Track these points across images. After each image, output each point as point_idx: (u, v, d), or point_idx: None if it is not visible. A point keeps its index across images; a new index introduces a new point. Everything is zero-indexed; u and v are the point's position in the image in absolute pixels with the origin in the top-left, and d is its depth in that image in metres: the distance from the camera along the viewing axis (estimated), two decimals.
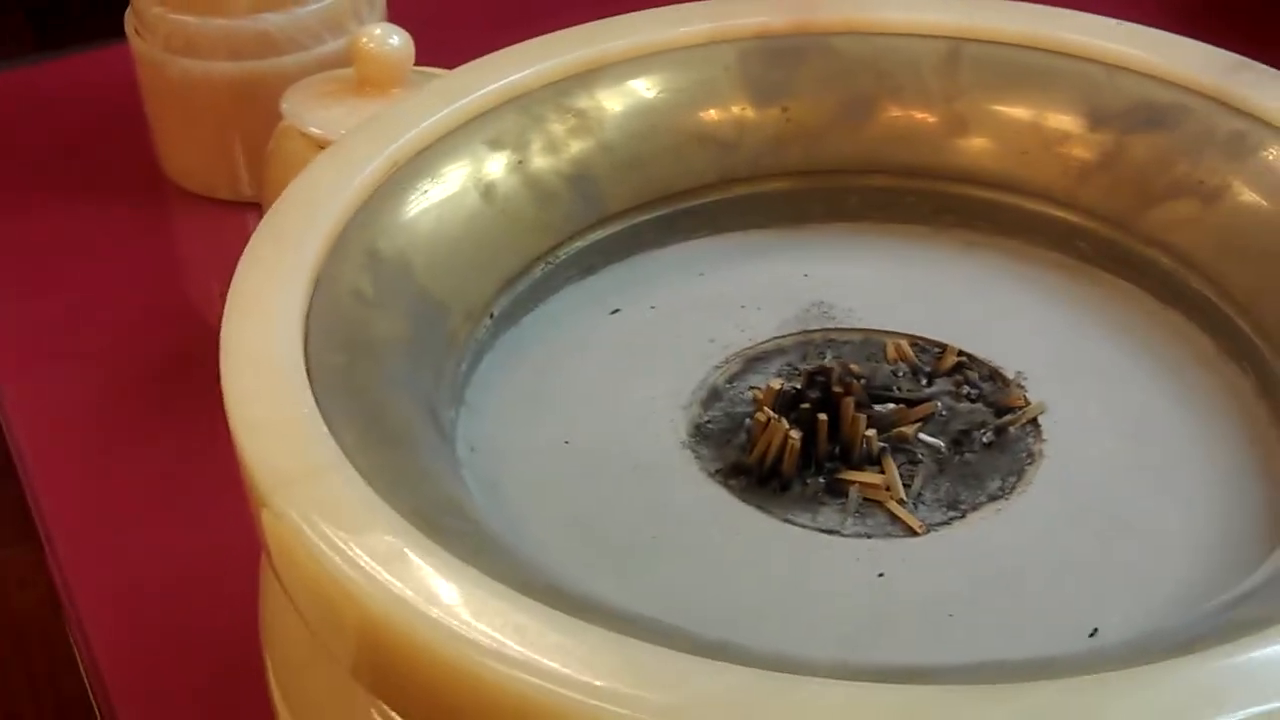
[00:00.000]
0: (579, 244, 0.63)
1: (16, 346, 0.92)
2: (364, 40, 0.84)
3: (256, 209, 1.03)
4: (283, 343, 0.49)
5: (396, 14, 1.00)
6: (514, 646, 0.39)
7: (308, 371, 0.48)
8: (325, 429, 0.46)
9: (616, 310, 0.62)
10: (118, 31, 1.04)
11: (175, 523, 0.78)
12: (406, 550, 0.41)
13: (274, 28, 0.99)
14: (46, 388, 0.88)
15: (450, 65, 0.84)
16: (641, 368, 0.59)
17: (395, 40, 0.82)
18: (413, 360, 0.53)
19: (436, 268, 0.57)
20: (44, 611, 1.87)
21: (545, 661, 0.38)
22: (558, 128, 0.62)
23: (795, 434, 0.53)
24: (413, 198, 0.58)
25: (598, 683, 0.38)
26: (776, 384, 0.55)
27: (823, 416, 0.53)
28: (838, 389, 0.54)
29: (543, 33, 0.65)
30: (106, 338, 0.92)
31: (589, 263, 0.63)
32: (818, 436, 0.53)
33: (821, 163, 0.65)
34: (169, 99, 1.03)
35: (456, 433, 0.54)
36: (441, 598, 0.40)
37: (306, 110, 0.84)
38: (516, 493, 0.53)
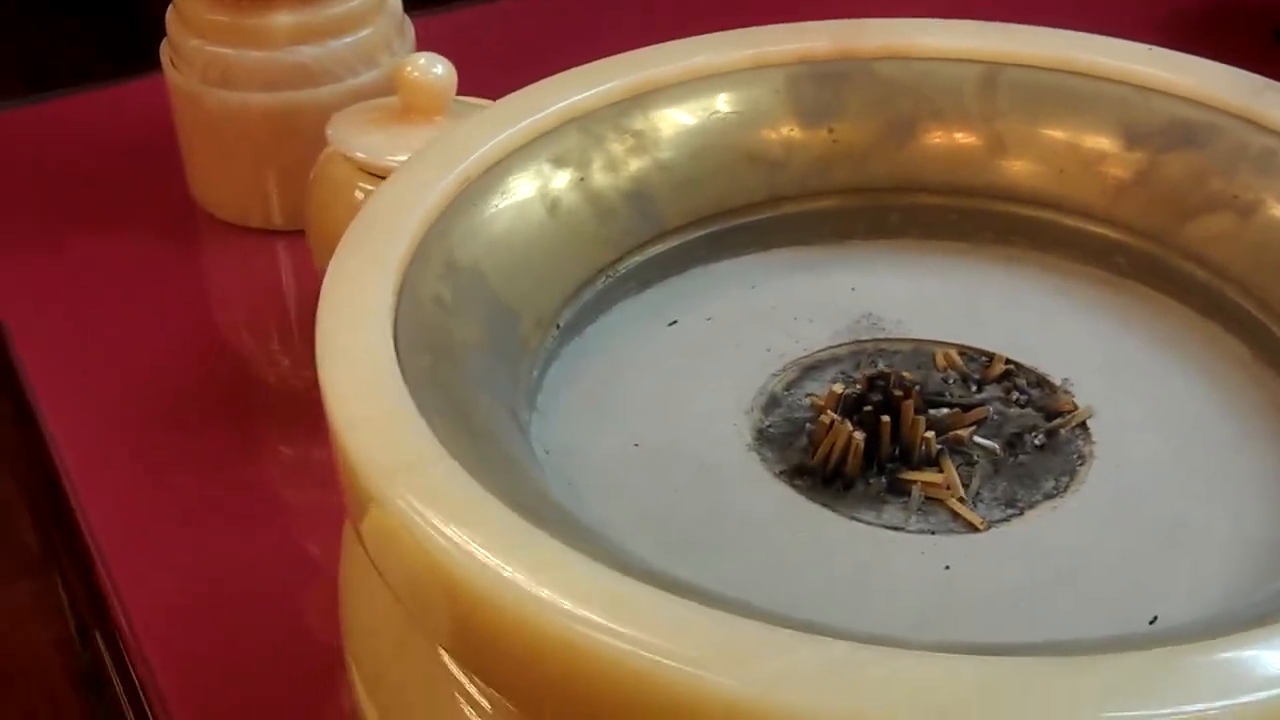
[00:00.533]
0: (637, 258, 0.65)
1: (56, 376, 0.93)
2: (408, 69, 0.86)
3: (287, 237, 1.06)
4: (375, 345, 0.51)
5: (422, 48, 1.02)
6: (623, 623, 0.41)
7: (401, 371, 0.50)
8: (425, 423, 0.48)
9: (674, 322, 0.64)
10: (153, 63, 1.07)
11: (213, 541, 0.80)
12: (515, 536, 0.43)
13: (310, 59, 1.02)
14: (87, 416, 0.89)
15: (482, 95, 0.87)
16: (702, 375, 0.61)
17: (439, 69, 0.85)
18: (491, 364, 0.56)
19: (508, 277, 0.59)
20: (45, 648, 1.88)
21: (653, 638, 0.40)
22: (617, 147, 0.65)
23: (859, 435, 0.55)
24: (484, 211, 0.60)
25: (707, 655, 0.40)
26: (839, 388, 0.57)
27: (885, 418, 0.56)
28: (898, 393, 0.56)
29: (562, 67, 0.68)
30: (143, 365, 0.94)
31: (646, 276, 0.66)
32: (880, 438, 0.56)
33: (865, 182, 0.68)
34: (204, 129, 1.06)
35: (531, 435, 0.56)
36: (550, 579, 0.42)
37: (352, 136, 0.87)
38: (591, 491, 0.55)
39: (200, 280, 1.10)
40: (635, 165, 0.65)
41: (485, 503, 0.45)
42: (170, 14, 1.05)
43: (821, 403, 0.59)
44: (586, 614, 0.41)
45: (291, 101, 1.02)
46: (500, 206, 0.61)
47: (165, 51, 1.06)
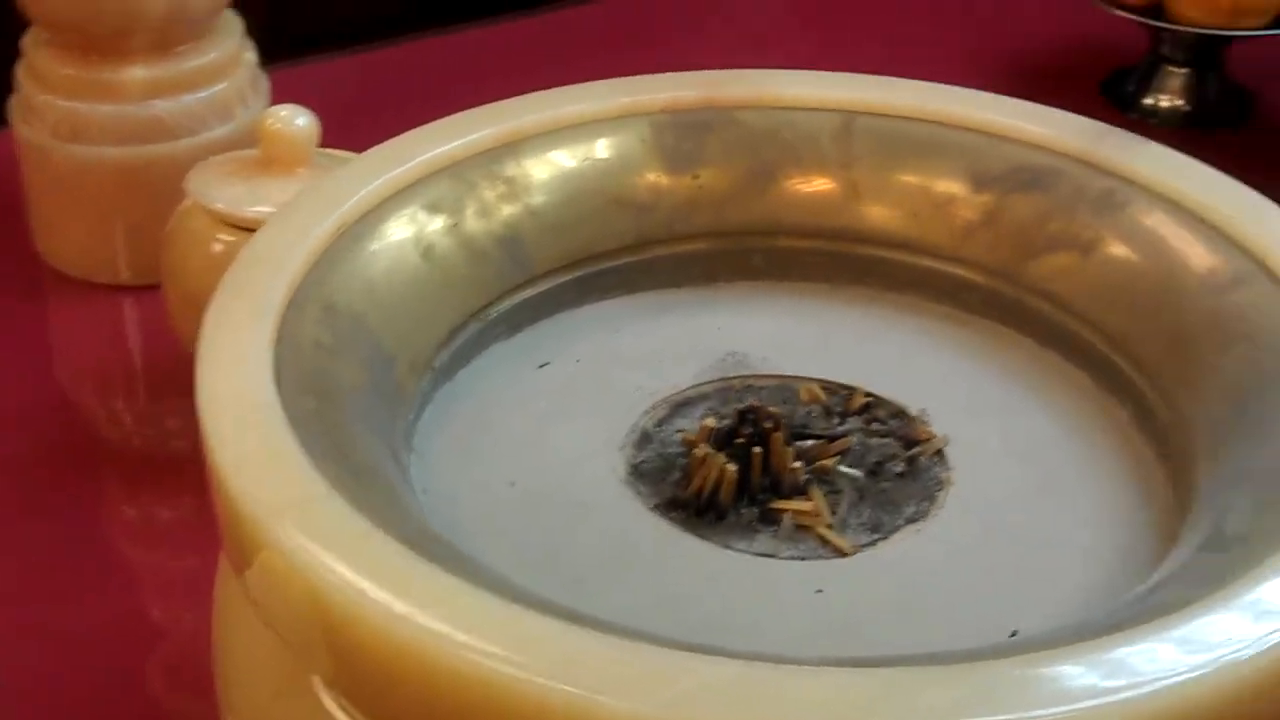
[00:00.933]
0: (508, 302, 0.66)
1: None
2: (270, 121, 0.87)
3: (135, 293, 1.05)
4: (256, 388, 0.52)
5: (277, 101, 1.03)
6: (520, 653, 0.42)
7: (284, 413, 0.51)
8: (309, 461, 0.49)
9: (545, 364, 0.66)
10: None
11: (51, 606, 0.78)
12: (406, 570, 0.44)
13: (164, 113, 1.02)
14: None
15: (341, 147, 0.88)
16: (573, 416, 0.63)
17: (302, 121, 0.86)
18: (371, 406, 0.56)
19: (385, 321, 0.60)
20: None
21: (553, 667, 0.42)
22: (489, 194, 0.66)
23: (731, 466, 0.57)
24: (361, 256, 0.61)
25: (606, 681, 0.41)
26: (710, 422, 0.59)
27: (758, 450, 0.58)
28: (767, 425, 0.59)
29: (419, 119, 0.69)
30: None
31: (517, 320, 0.67)
32: (752, 469, 0.58)
33: (729, 226, 0.70)
34: (54, 185, 1.05)
35: (410, 477, 0.57)
36: (444, 613, 0.43)
37: (212, 188, 0.87)
38: (471, 531, 0.56)
39: (46, 337, 1.08)
40: (507, 211, 0.66)
41: (375, 538, 0.46)
42: (20, 69, 1.04)
43: (693, 437, 0.61)
44: (482, 645, 0.42)
45: (144, 155, 1.02)
46: (376, 251, 0.62)
47: (14, 106, 1.05)
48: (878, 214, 0.70)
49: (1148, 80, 1.33)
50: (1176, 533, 0.56)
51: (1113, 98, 1.34)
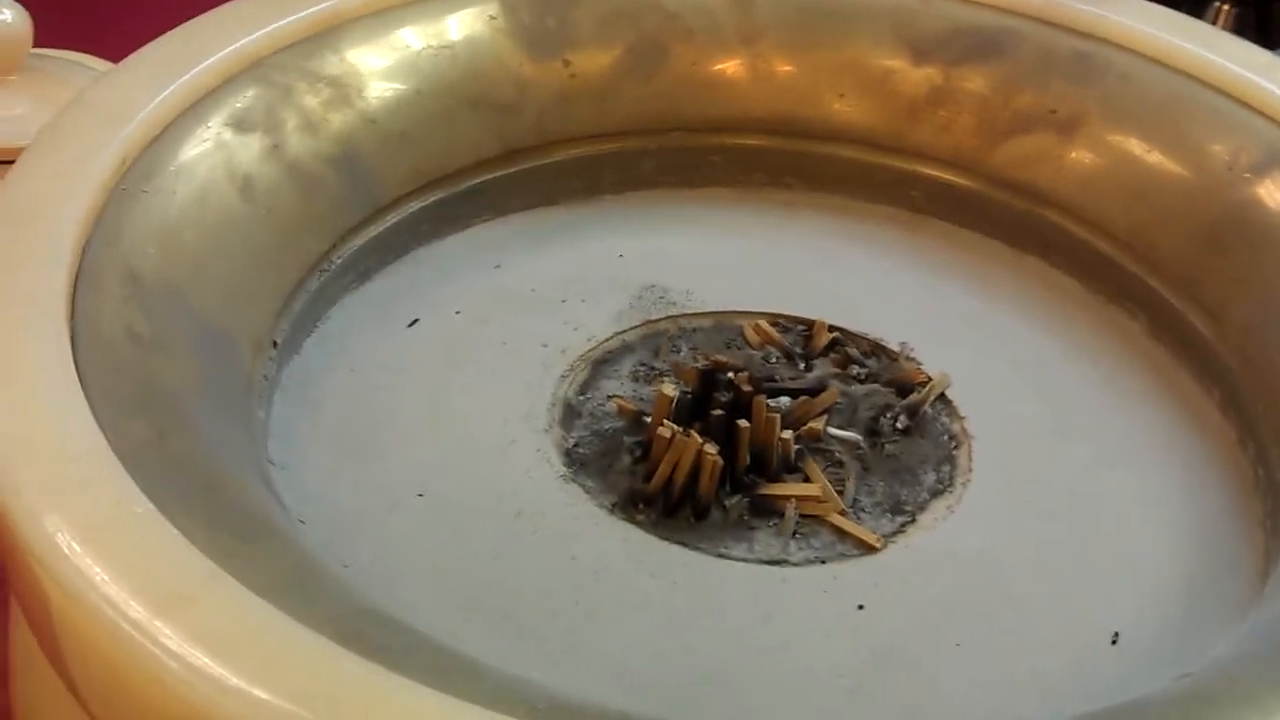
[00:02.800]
0: (354, 243, 0.50)
1: None
2: None
3: None
4: (63, 415, 0.35)
5: None
6: None
7: (111, 449, 0.34)
8: (174, 531, 0.32)
9: (415, 320, 0.50)
10: None
11: None
12: (331, 674, 0.29)
13: None
14: None
15: (69, 48, 0.68)
16: (471, 388, 0.48)
17: (8, 15, 0.65)
18: (219, 413, 0.40)
19: (210, 290, 0.43)
20: None
21: None
22: (311, 100, 0.49)
23: (712, 450, 0.43)
24: (160, 203, 0.44)
25: None
26: (670, 390, 0.45)
27: (743, 423, 0.44)
28: (746, 389, 0.45)
29: (167, 10, 0.52)
30: None
31: (367, 264, 0.51)
32: (737, 447, 0.44)
33: (613, 123, 0.56)
34: None
35: (283, 501, 0.41)
36: None
37: None
38: (379, 572, 0.41)
39: None
40: (338, 121, 0.50)
41: (297, 638, 0.31)
42: None
43: (630, 406, 0.47)
44: None
45: None
46: (179, 194, 0.44)
47: None
48: (792, 98, 0.57)
49: None
50: (1251, 466, 0.46)
51: None
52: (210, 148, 0.46)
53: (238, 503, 0.36)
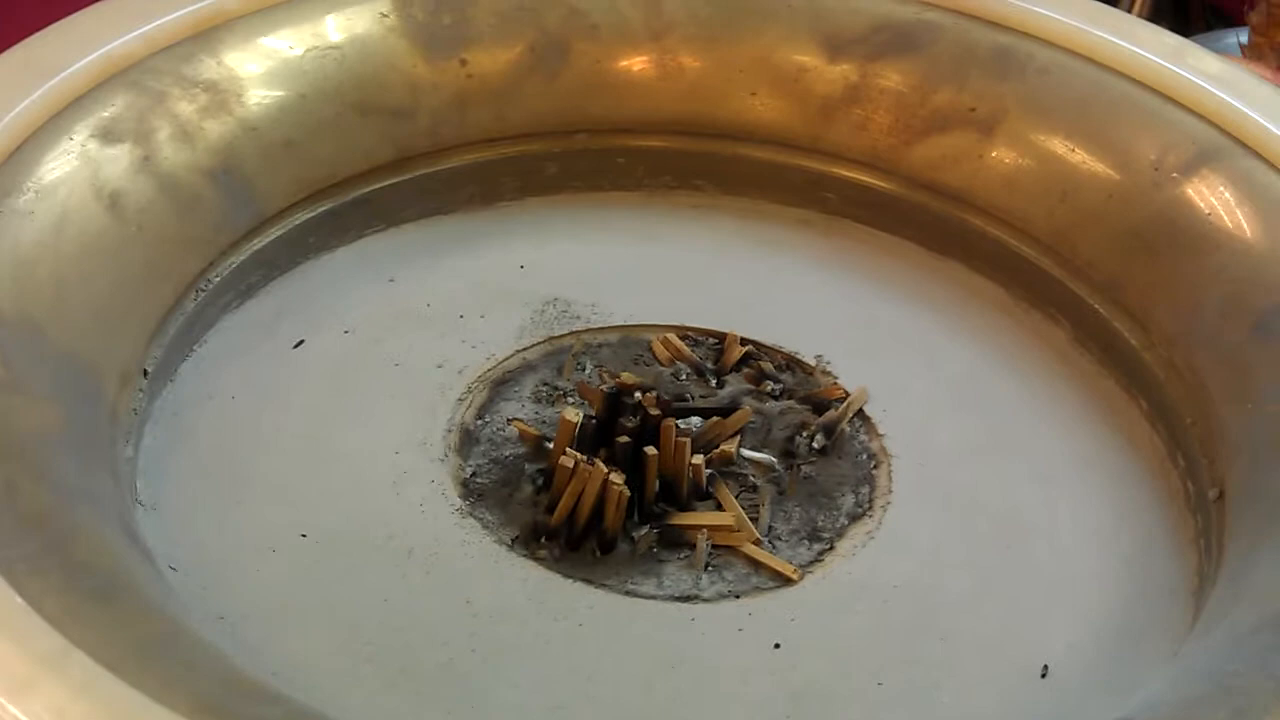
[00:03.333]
0: (234, 258, 0.47)
1: None
2: None
3: None
4: None
5: None
6: None
7: None
8: (18, 600, 0.29)
9: (301, 342, 0.47)
10: None
11: None
12: None
13: None
14: None
15: None
16: (361, 414, 0.45)
17: None
18: (80, 455, 0.37)
19: (72, 320, 0.40)
20: None
21: None
22: (186, 107, 0.46)
23: (618, 479, 0.41)
24: (15, 225, 0.40)
25: None
26: (572, 415, 0.42)
27: (651, 450, 0.41)
28: (654, 412, 0.42)
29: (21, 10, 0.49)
30: None
31: (248, 281, 0.48)
32: (646, 477, 0.41)
33: (513, 126, 0.53)
34: None
35: (148, 548, 0.38)
36: None
37: None
38: (257, 625, 0.38)
39: None
40: (215, 131, 0.47)
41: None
42: None
43: (531, 431, 0.44)
44: None
45: None
46: (38, 214, 0.41)
47: None
48: (703, 97, 0.54)
49: None
50: (1180, 481, 0.44)
51: None
52: (74, 161, 0.43)
53: (95, 559, 0.33)
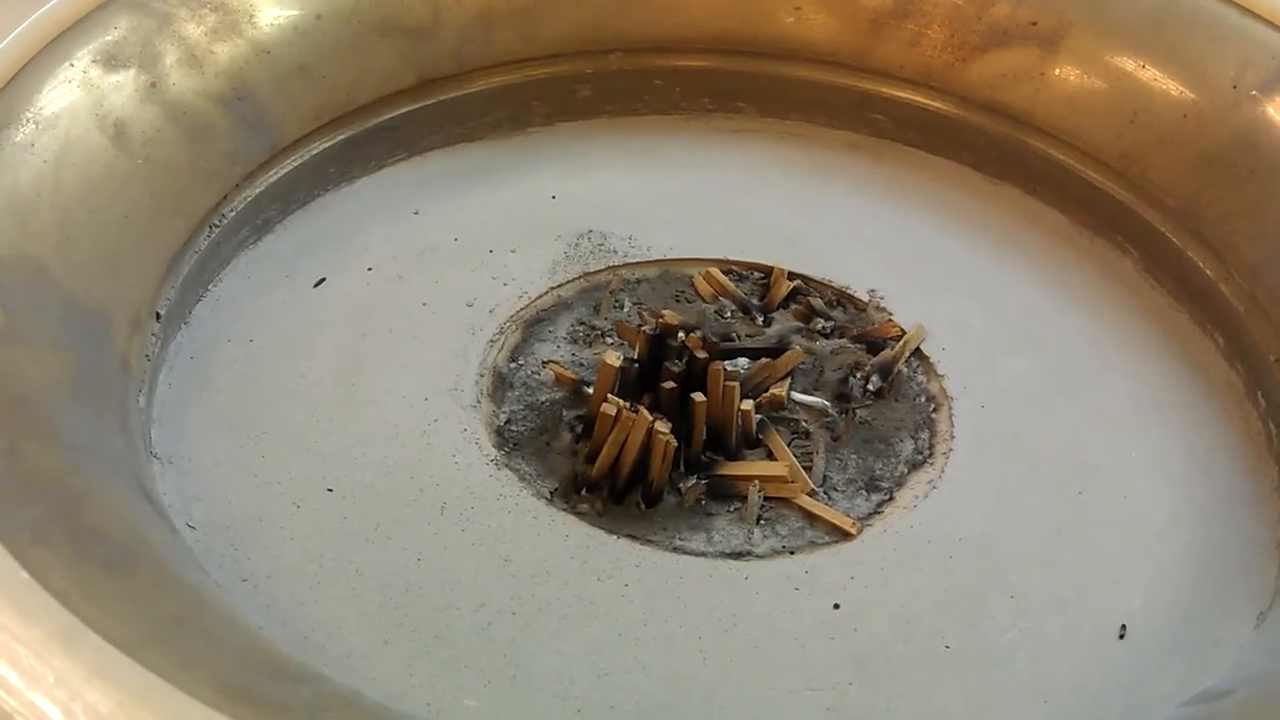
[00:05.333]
0: (249, 192, 0.44)
1: None
2: None
3: None
4: None
5: None
6: None
7: None
8: (23, 575, 0.27)
9: (322, 280, 0.44)
10: None
11: None
12: None
13: None
14: None
15: None
16: (387, 357, 0.42)
17: None
18: (88, 409, 0.34)
19: (79, 261, 0.37)
20: None
21: None
22: (194, 29, 0.43)
23: (664, 427, 0.38)
24: (14, 159, 0.37)
25: None
26: (613, 359, 0.39)
27: (698, 396, 0.38)
28: (700, 355, 0.39)
29: None
30: None
31: (265, 215, 0.45)
32: (693, 424, 0.39)
33: (542, 46, 0.49)
34: None
35: (166, 505, 0.35)
36: None
37: None
38: (289, 587, 0.35)
39: None
40: (226, 54, 0.43)
41: (157, 709, 0.25)
42: None
43: (569, 374, 0.41)
44: None
45: None
46: (39, 146, 0.38)
47: None
48: (747, 12, 0.51)
49: None
50: (1261, 422, 0.41)
51: None
52: (75, 90, 0.40)
53: (107, 523, 0.31)
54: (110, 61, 0.41)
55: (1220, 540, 0.39)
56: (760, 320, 0.44)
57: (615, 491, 0.38)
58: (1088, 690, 0.35)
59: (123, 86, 0.41)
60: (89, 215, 0.38)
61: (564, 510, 0.38)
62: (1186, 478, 0.40)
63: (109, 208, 0.39)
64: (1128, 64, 0.46)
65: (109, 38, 0.41)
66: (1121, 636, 0.36)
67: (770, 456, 0.40)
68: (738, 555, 0.37)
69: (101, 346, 0.36)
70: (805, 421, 0.41)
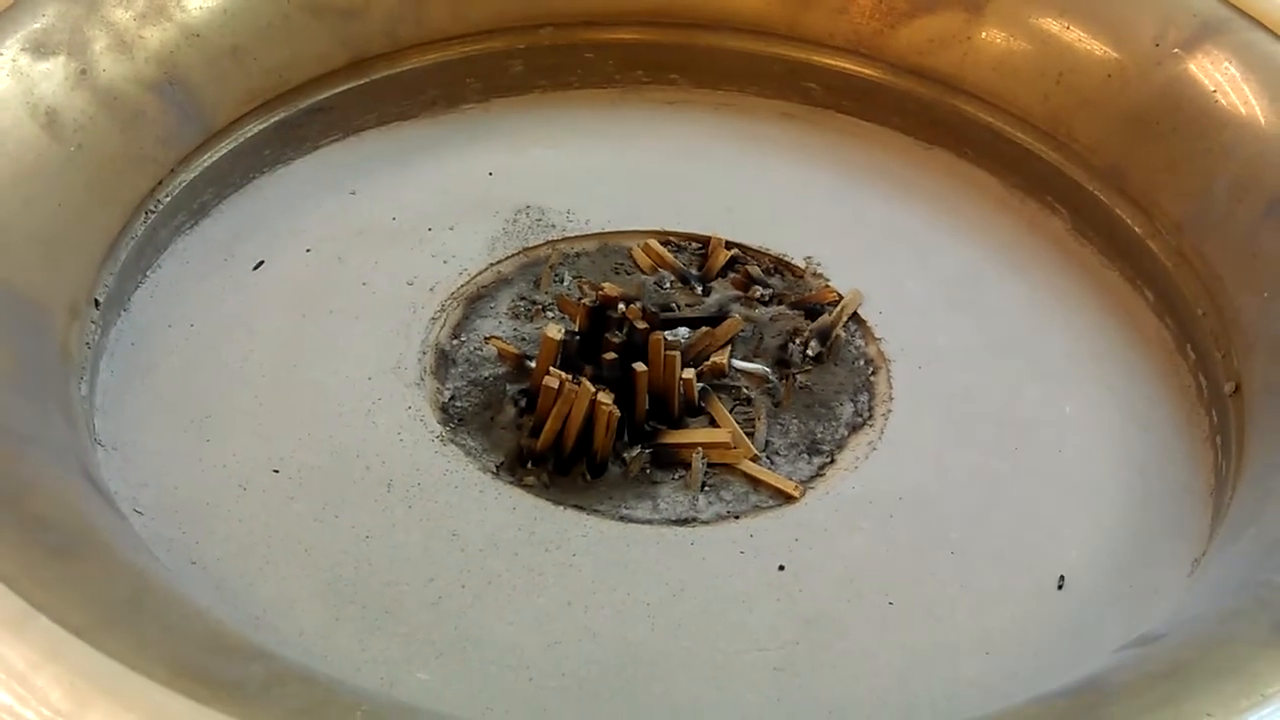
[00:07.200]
0: (184, 176, 0.44)
1: None
2: None
3: None
4: None
5: None
6: None
7: None
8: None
9: (260, 263, 0.44)
10: None
11: None
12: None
13: None
14: None
15: None
16: (329, 339, 0.42)
17: None
18: (31, 400, 0.34)
19: (13, 248, 0.37)
20: None
21: None
22: (123, 14, 0.43)
23: (606, 397, 0.38)
24: None
25: None
26: (554, 332, 0.40)
27: (640, 366, 0.39)
28: (640, 325, 0.40)
29: None
30: None
31: (200, 201, 0.45)
32: (635, 394, 0.39)
33: (474, 22, 0.50)
34: None
35: (111, 492, 0.35)
36: None
37: None
38: (239, 568, 0.35)
39: None
40: (155, 38, 0.43)
41: (113, 691, 0.26)
42: None
43: (511, 349, 0.42)
44: None
45: None
46: None
47: None
48: None
49: None
50: (1192, 375, 0.42)
51: None
52: (5, 78, 0.40)
53: (53, 511, 0.31)
54: (39, 49, 0.41)
55: (1155, 490, 0.40)
56: (699, 290, 0.45)
57: (560, 463, 0.39)
58: (1028, 641, 0.35)
59: (52, 74, 0.41)
60: (23, 205, 0.38)
61: (510, 483, 0.38)
62: (1121, 431, 0.41)
63: (43, 196, 0.39)
64: (1052, 25, 0.47)
65: (37, 25, 0.41)
66: (1060, 587, 0.37)
67: (713, 424, 0.40)
68: (683, 522, 0.38)
69: (40, 335, 0.36)
70: (746, 388, 0.42)
